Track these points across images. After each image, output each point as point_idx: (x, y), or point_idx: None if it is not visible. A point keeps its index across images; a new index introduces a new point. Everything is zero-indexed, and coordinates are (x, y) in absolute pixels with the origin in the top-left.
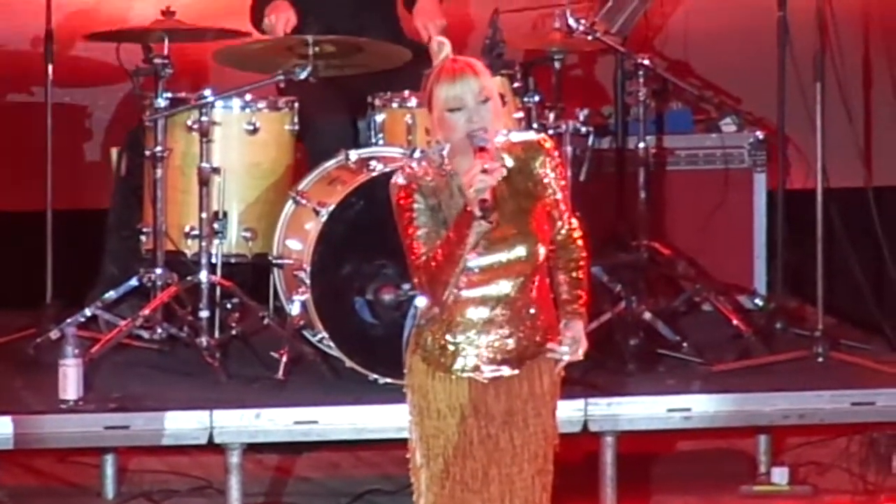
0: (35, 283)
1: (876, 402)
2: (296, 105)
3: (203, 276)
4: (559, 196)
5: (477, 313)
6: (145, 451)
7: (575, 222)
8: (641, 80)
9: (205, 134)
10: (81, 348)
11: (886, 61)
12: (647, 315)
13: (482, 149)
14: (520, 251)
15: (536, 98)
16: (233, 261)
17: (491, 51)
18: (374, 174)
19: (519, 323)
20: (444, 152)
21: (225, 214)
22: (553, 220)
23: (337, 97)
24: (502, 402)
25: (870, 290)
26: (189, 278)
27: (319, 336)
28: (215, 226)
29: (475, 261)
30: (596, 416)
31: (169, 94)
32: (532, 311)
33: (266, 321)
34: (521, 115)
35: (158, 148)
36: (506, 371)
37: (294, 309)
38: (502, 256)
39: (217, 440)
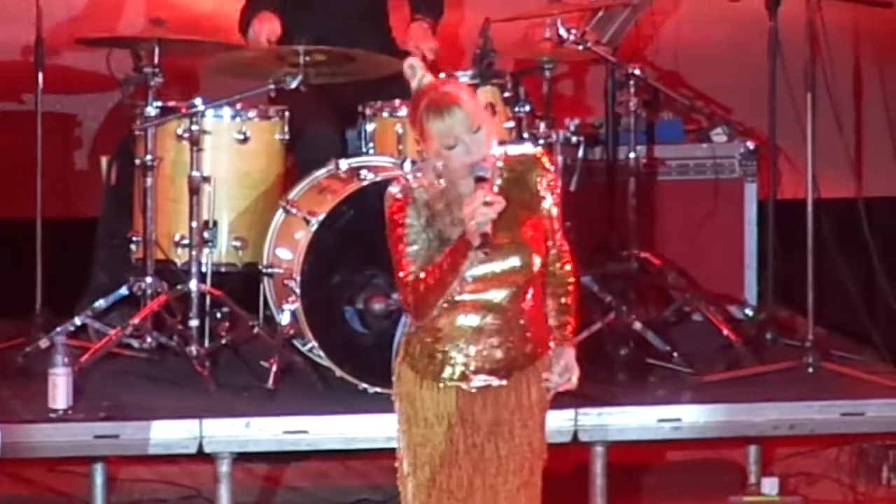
0: (24, 291)
1: (866, 412)
2: (286, 114)
3: (193, 285)
4: (553, 212)
5: (467, 321)
6: (135, 461)
7: (566, 245)
8: (632, 89)
9: (195, 143)
10: (71, 357)
11: (877, 72)
12: (638, 325)
13: (482, 179)
14: (514, 261)
15: (527, 108)
16: (223, 270)
17: (481, 60)
18: (365, 183)
19: (509, 333)
20: (440, 165)
21: (215, 223)
22: (546, 235)
23: (327, 106)
24: (489, 412)
25: (860, 300)
26: (179, 287)
27: (309, 345)
28: (205, 235)
29: (469, 270)
30: (586, 426)
31: (159, 103)
32: (522, 321)
33: (256, 330)
34: (511, 124)
35: (148, 157)
36: (494, 381)
37: (284, 318)
38: (496, 266)
39: (206, 449)
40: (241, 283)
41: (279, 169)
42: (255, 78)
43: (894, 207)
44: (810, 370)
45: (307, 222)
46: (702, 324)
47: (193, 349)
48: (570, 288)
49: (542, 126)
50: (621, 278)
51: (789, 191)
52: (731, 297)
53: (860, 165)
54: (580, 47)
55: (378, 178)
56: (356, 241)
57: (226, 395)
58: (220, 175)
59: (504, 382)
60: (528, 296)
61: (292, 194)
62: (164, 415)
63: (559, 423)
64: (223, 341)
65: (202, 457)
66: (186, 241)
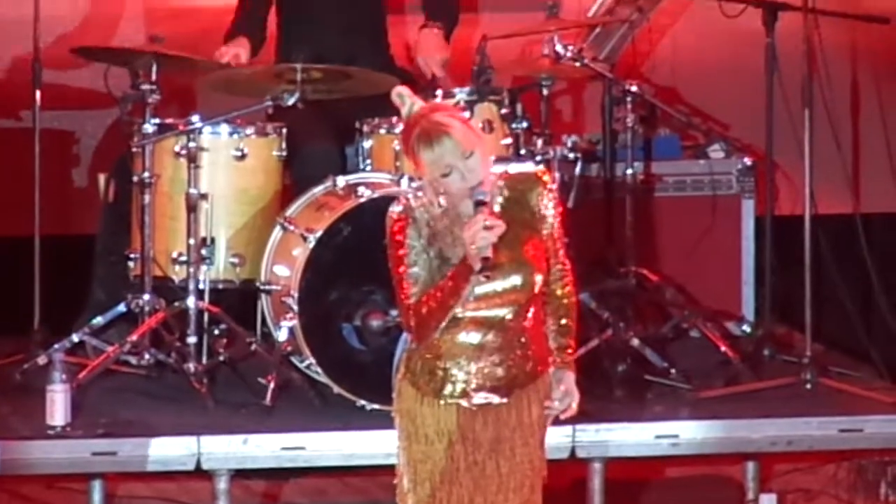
0: (23, 308)
1: (864, 428)
2: (284, 131)
3: (191, 301)
4: (555, 232)
5: (468, 339)
6: (133, 477)
7: (568, 264)
8: (629, 106)
9: (192, 160)
10: (69, 374)
11: (874, 88)
12: (635, 341)
13: (482, 202)
14: (515, 280)
15: (524, 124)
16: (220, 287)
17: (479, 77)
18: (362, 200)
19: (510, 351)
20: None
21: (213, 240)
22: (548, 254)
23: (325, 123)
24: (490, 429)
25: (858, 316)
26: (177, 304)
27: (307, 362)
28: (203, 252)
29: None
30: (584, 443)
31: (157, 120)
32: (523, 339)
33: (253, 347)
34: (509, 141)
35: (146, 174)
36: (494, 399)
37: (281, 335)
38: (497, 285)
39: (205, 466)
40: (239, 300)
41: (277, 186)
42: (253, 95)
43: (892, 223)
44: (808, 386)
45: (305, 239)
46: (699, 340)
47: (191, 366)
48: (571, 308)
49: (540, 143)
50: (619, 295)
51: (787, 207)
52: (729, 314)
53: (857, 182)
54: (577, 64)
55: (375, 195)
56: (354, 258)
57: (224, 411)
58: (217, 192)
59: (505, 400)
60: (530, 314)
61: (290, 211)
62: (162, 431)
63: (557, 439)
64: (221, 358)
65: (200, 473)
66: (184, 258)
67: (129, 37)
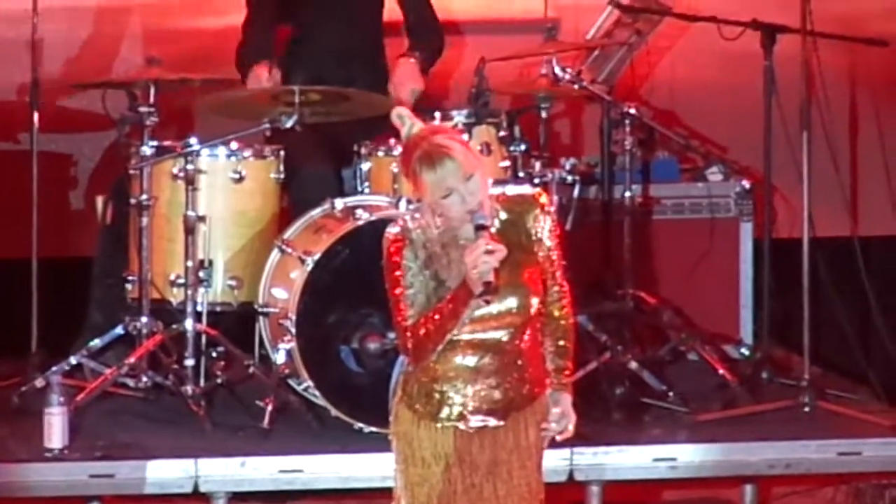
0: (20, 331)
1: (862, 451)
2: (281, 153)
3: (188, 324)
4: (553, 254)
5: (465, 361)
6: (130, 500)
7: (566, 286)
8: (628, 128)
9: (190, 182)
10: (66, 396)
11: (873, 111)
12: (633, 364)
13: (483, 226)
14: (511, 303)
15: (522, 147)
16: (218, 309)
17: (477, 99)
18: (360, 223)
19: (507, 374)
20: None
21: (210, 263)
22: (545, 276)
23: (323, 145)
24: (487, 452)
25: (856, 339)
26: (174, 326)
27: (305, 385)
28: (201, 274)
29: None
30: (581, 466)
31: (154, 142)
32: (520, 362)
33: (251, 370)
34: (507, 163)
35: (144, 196)
36: (492, 422)
37: (279, 357)
38: (494, 307)
39: (202, 489)
40: (237, 323)
41: (274, 208)
42: (250, 118)
43: (890, 247)
44: (806, 409)
45: (302, 262)
46: (697, 363)
47: (189, 388)
48: (569, 330)
49: (538, 165)
50: (617, 317)
51: (785, 230)
52: (727, 337)
53: (856, 205)
54: (576, 86)
55: (373, 218)
56: (351, 281)
57: (221, 434)
58: (215, 214)
59: (502, 423)
60: (526, 336)
61: (288, 234)
62: (160, 454)
63: (555, 462)
64: (218, 381)
65: (198, 496)
66: (182, 281)
67: (129, 59)
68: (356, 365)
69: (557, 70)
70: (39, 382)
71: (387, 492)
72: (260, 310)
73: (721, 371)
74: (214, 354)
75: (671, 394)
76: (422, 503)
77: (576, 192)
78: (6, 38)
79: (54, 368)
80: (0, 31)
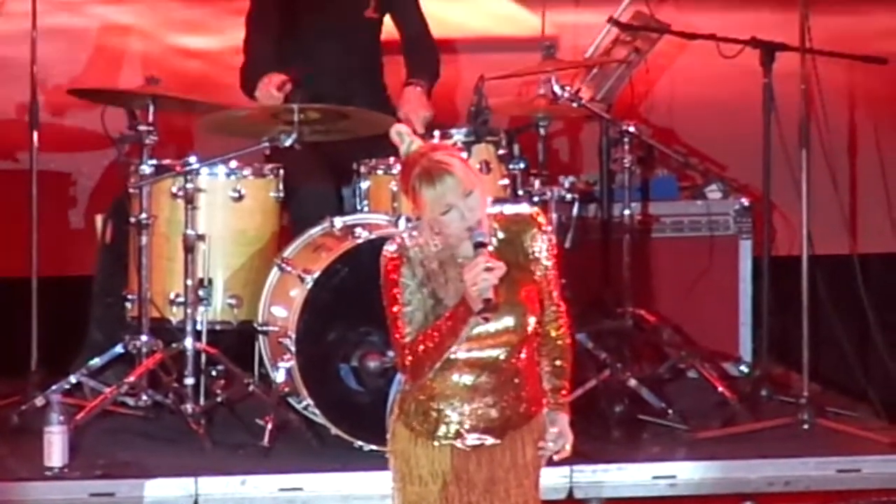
0: (20, 349)
1: (861, 469)
2: (281, 172)
3: (188, 343)
4: (550, 273)
5: (462, 380)
6: None
7: (563, 305)
8: (627, 146)
9: (190, 201)
10: (66, 415)
11: (872, 128)
12: (632, 382)
13: (482, 244)
14: (508, 321)
15: (521, 165)
16: (218, 328)
17: (476, 117)
18: (359, 241)
19: (504, 392)
20: (436, 227)
21: (210, 281)
22: (542, 295)
23: (322, 164)
24: (484, 470)
25: (855, 357)
26: (174, 345)
27: (304, 403)
28: (200, 293)
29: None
30: (581, 483)
31: (154, 161)
32: (517, 381)
33: (251, 388)
34: (506, 182)
35: (143, 215)
36: (488, 440)
37: (279, 376)
38: (490, 326)
39: None
40: (237, 341)
41: (274, 227)
42: (250, 137)
43: (889, 264)
44: (805, 427)
45: (302, 280)
46: (697, 381)
47: (189, 407)
48: (565, 350)
49: (537, 183)
50: (616, 335)
51: (784, 247)
52: (726, 354)
53: (855, 222)
54: (575, 104)
55: (372, 236)
56: (351, 299)
57: (221, 452)
58: (214, 233)
59: (499, 441)
60: (523, 355)
61: (287, 252)
62: (160, 473)
63: (554, 479)
64: (218, 399)
65: None
66: (181, 299)
67: (130, 81)
68: (356, 383)
69: (556, 88)
70: (39, 401)
71: None
72: (259, 328)
73: (720, 388)
74: (214, 373)
75: (670, 411)
76: None
77: (575, 210)
78: (6, 58)
79: (54, 387)
80: (0, 51)
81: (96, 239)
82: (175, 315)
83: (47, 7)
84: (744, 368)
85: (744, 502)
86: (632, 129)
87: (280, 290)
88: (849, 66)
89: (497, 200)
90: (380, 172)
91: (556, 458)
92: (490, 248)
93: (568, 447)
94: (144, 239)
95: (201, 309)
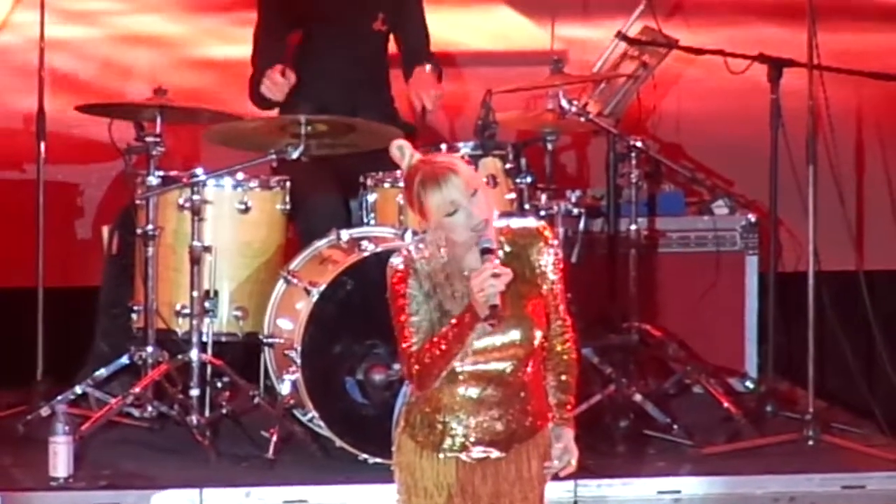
0: (26, 360)
1: (866, 485)
2: (287, 184)
3: (194, 354)
4: (556, 288)
5: (467, 393)
6: None
7: (569, 320)
8: (634, 161)
9: (196, 212)
10: (72, 426)
11: (879, 145)
12: (638, 397)
13: (489, 250)
14: (514, 335)
15: (528, 179)
16: (223, 339)
17: (483, 131)
18: (366, 254)
19: (509, 406)
20: (443, 237)
21: (216, 293)
22: (548, 309)
23: (329, 177)
24: (489, 483)
25: (861, 373)
26: (180, 357)
27: (310, 415)
28: (206, 304)
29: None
30: (586, 498)
31: (161, 173)
32: (523, 394)
33: (256, 400)
34: (513, 196)
35: (150, 226)
36: (494, 453)
37: (284, 388)
38: (496, 339)
39: None
40: (242, 353)
41: (280, 239)
42: (256, 149)
43: (895, 281)
44: (811, 443)
45: (308, 293)
46: (702, 396)
47: (194, 418)
48: (571, 365)
49: (544, 197)
50: (622, 350)
51: (790, 264)
52: (732, 370)
53: (861, 238)
54: (582, 119)
55: (379, 249)
56: (357, 312)
57: (226, 464)
58: (221, 245)
59: (504, 454)
60: (529, 369)
61: (293, 264)
62: (165, 484)
63: (558, 494)
64: (224, 411)
65: None
66: (187, 311)
67: (137, 94)
68: (361, 396)
69: (564, 102)
70: (45, 411)
71: None
72: (265, 340)
73: (726, 404)
74: (219, 385)
75: (676, 427)
76: None
77: (581, 224)
78: (13, 68)
79: (59, 397)
80: (7, 61)
81: (103, 250)
82: (181, 326)
83: (56, 18)
84: (749, 384)
85: None
86: (639, 143)
87: (286, 303)
88: (856, 83)
89: (504, 214)
90: (386, 185)
91: (561, 474)
92: (497, 261)
93: (573, 463)
94: (151, 250)
95: (207, 320)
